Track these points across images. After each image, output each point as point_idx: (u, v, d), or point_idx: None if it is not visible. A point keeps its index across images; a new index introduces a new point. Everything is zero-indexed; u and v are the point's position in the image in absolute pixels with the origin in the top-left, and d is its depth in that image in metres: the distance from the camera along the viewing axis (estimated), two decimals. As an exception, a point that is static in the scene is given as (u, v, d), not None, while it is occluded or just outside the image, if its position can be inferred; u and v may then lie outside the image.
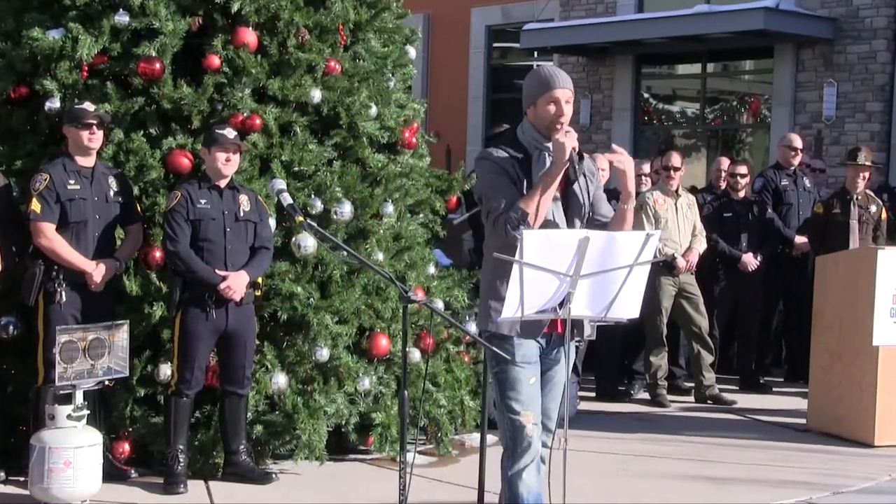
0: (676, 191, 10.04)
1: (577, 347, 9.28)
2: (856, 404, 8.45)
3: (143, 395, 6.95)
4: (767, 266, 10.68)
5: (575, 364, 9.44)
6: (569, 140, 4.69)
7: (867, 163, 10.35)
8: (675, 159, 10.10)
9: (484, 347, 4.81)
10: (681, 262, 9.85)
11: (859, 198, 10.35)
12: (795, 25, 15.82)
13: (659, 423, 9.17)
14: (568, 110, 4.81)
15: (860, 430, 8.40)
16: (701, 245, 10.07)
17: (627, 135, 17.96)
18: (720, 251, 10.51)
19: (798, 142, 11.49)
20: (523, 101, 4.90)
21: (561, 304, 4.51)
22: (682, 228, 9.97)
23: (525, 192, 4.73)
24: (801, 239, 10.62)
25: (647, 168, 11.01)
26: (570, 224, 4.84)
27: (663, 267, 9.73)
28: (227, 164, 6.69)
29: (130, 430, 6.94)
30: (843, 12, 15.88)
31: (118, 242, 6.85)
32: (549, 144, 4.78)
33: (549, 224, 4.75)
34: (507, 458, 4.87)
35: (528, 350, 4.79)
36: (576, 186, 4.84)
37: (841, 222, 10.26)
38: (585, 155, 4.96)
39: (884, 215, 10.49)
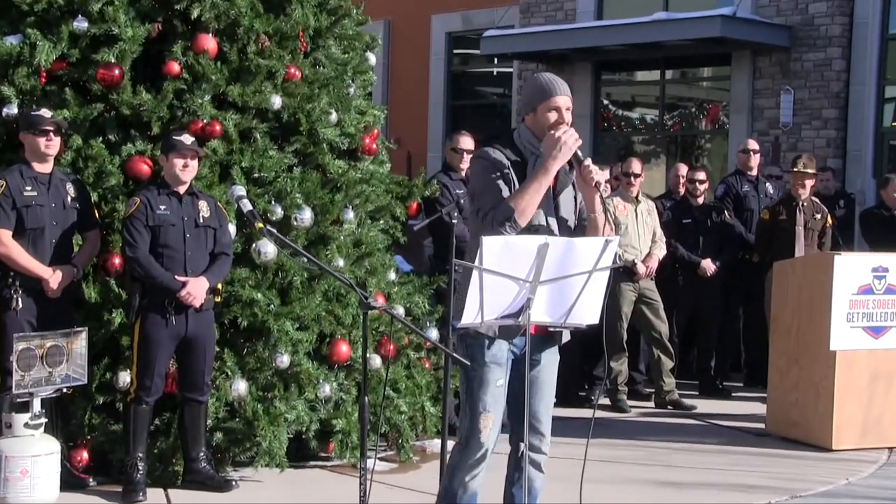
0: (636, 197, 10.07)
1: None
2: (813, 409, 8.51)
3: (101, 402, 6.89)
4: (727, 271, 10.74)
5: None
6: (568, 137, 4.74)
7: (807, 170, 10.48)
8: (635, 166, 10.14)
9: (444, 351, 4.79)
10: (641, 268, 9.89)
11: (804, 205, 10.44)
12: (752, 33, 15.95)
13: (619, 428, 9.19)
14: (568, 118, 4.87)
15: (818, 434, 8.45)
16: (661, 251, 10.11)
17: (587, 141, 18.00)
18: (679, 257, 10.56)
19: (754, 144, 11.59)
20: (521, 106, 5.00)
21: (521, 310, 4.51)
22: (641, 234, 10.01)
23: None
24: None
25: (606, 174, 11.03)
26: (562, 227, 4.88)
27: (623, 273, 9.76)
28: (185, 171, 6.66)
29: (89, 437, 6.88)
30: (798, 20, 16.02)
31: (76, 249, 6.79)
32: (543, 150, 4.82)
33: (540, 228, 4.76)
34: (457, 451, 4.94)
35: (498, 351, 4.81)
36: (564, 195, 4.92)
37: (787, 229, 10.37)
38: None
39: (829, 223, 10.60)
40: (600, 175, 4.80)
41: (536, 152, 4.85)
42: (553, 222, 4.84)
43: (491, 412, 4.83)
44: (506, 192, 4.75)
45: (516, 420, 4.94)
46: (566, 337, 5.00)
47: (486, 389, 4.82)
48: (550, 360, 4.98)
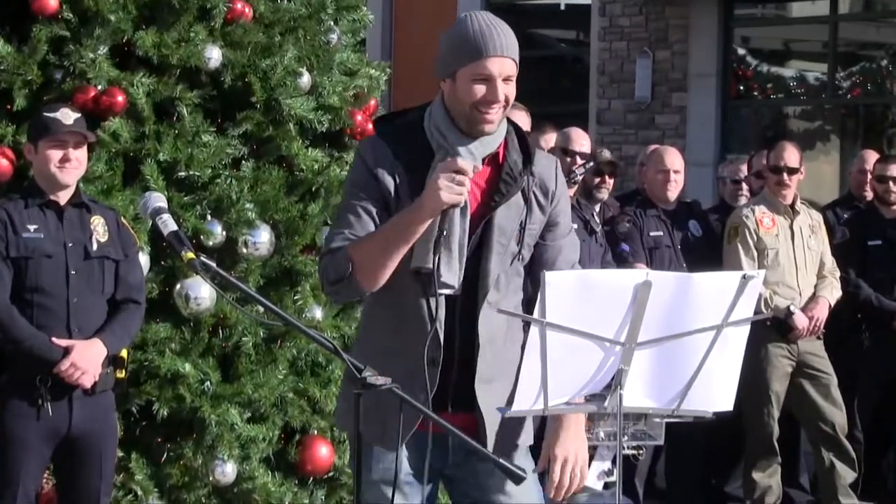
0: (792, 205, 10.08)
1: (634, 458, 9.35)
2: None
3: (-66, 540, 6.94)
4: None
5: (633, 485, 9.47)
6: (448, 192, 4.60)
7: None
8: (791, 155, 10.13)
9: (484, 454, 4.81)
10: (800, 320, 9.87)
11: None
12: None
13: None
14: (505, 92, 4.83)
15: None
16: (833, 293, 10.08)
17: (712, 114, 18.03)
18: (864, 302, 10.51)
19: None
20: (438, 65, 4.93)
21: (607, 389, 4.54)
22: (801, 265, 9.99)
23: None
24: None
25: (744, 169, 11.07)
26: (479, 281, 4.85)
27: (772, 328, 9.77)
28: (66, 168, 6.67)
29: None
30: None
31: None
32: (461, 148, 4.79)
33: (431, 279, 4.76)
34: None
35: (391, 465, 4.83)
36: (501, 214, 4.86)
37: None
38: (540, 152, 5.09)
39: None
40: None
41: (446, 145, 4.83)
42: (448, 269, 4.79)
43: None
44: (368, 216, 4.77)
45: None
46: (514, 439, 4.98)
47: None
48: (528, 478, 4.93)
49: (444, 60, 4.88)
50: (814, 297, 10.03)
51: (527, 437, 5.01)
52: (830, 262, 10.19)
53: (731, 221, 10.11)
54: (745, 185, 10.87)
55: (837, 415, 10.06)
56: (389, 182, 4.80)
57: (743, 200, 10.64)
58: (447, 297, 4.79)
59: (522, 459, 5.00)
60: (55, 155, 6.66)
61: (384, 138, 4.89)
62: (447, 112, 4.87)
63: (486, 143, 4.86)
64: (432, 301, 4.77)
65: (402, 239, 4.68)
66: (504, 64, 4.81)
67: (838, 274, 10.21)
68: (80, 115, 6.82)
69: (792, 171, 10.07)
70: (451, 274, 4.78)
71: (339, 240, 4.76)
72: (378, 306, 4.86)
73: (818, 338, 10.06)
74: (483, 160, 4.85)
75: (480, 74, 4.78)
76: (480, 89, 4.78)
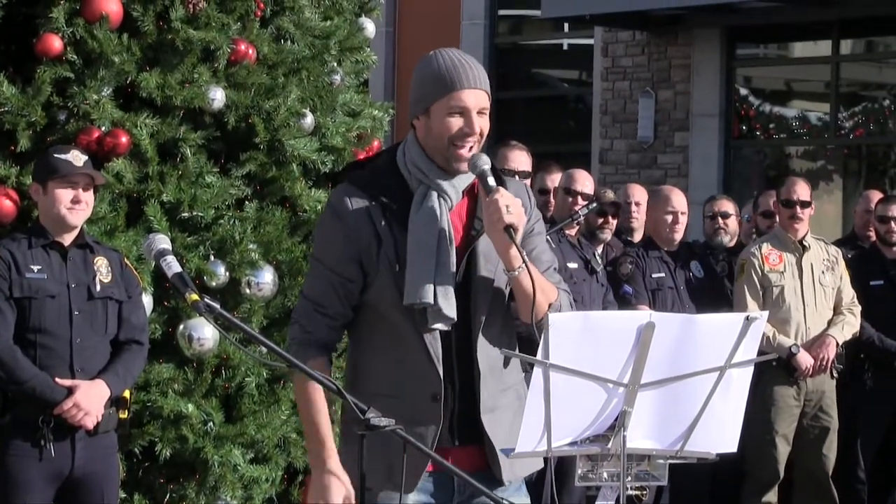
0: (802, 241, 10.06)
1: (637, 499, 9.36)
2: None
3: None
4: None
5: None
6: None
7: None
8: (802, 189, 10.12)
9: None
10: (804, 360, 9.80)
11: None
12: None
13: None
14: (480, 125, 4.80)
15: None
16: (844, 329, 9.99)
17: (714, 154, 18.03)
18: (866, 341, 10.46)
19: None
20: (410, 105, 4.90)
21: (610, 431, 4.54)
22: (809, 301, 9.93)
23: (395, 256, 4.75)
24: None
25: (723, 205, 11.07)
26: (471, 311, 4.84)
27: (779, 367, 9.73)
28: (74, 209, 6.66)
29: None
30: None
31: None
32: (443, 182, 4.79)
33: (431, 313, 4.75)
34: None
35: None
36: (483, 242, 4.84)
37: None
38: (509, 179, 5.02)
39: None
40: (513, 215, 4.67)
41: (429, 181, 4.81)
42: (447, 301, 4.76)
43: None
44: (338, 282, 4.78)
45: None
46: (525, 468, 4.94)
47: None
48: None
49: (417, 98, 4.87)
50: (822, 335, 9.93)
51: (529, 467, 4.94)
52: (849, 296, 10.12)
53: (739, 259, 10.06)
54: (720, 221, 10.73)
55: (828, 460, 10.02)
56: (367, 231, 4.78)
57: (722, 236, 10.56)
58: (441, 331, 4.76)
59: (518, 492, 4.97)
60: (66, 196, 6.65)
61: (356, 184, 4.87)
62: (423, 149, 4.84)
63: (465, 177, 4.84)
64: (428, 336, 4.76)
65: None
66: (478, 96, 4.79)
67: (858, 309, 10.13)
68: (87, 157, 6.83)
69: (804, 205, 10.04)
70: (450, 306, 4.74)
71: (305, 312, 4.89)
72: (370, 346, 4.82)
73: (831, 376, 10.02)
74: (462, 192, 4.85)
75: (455, 107, 4.77)
76: (456, 122, 4.78)
